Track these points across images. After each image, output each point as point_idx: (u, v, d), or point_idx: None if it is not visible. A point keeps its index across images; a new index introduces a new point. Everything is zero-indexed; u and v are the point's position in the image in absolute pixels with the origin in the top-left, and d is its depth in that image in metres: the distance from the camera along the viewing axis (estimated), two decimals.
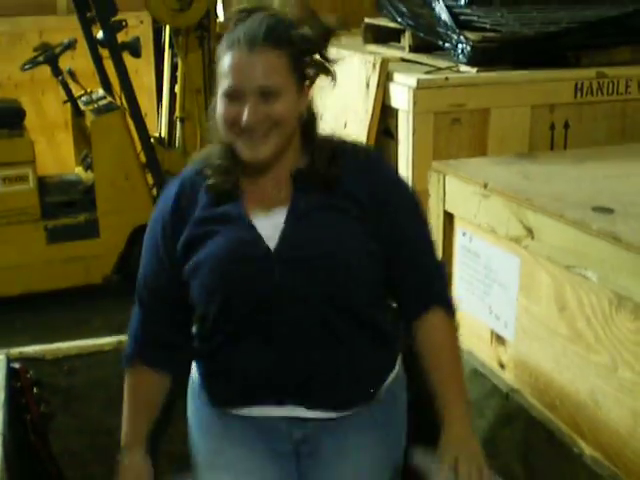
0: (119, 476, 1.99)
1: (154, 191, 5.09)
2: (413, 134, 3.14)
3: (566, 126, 3.32)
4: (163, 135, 5.54)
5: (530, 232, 2.27)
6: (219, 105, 1.79)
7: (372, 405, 1.95)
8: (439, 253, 2.03)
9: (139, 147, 5.01)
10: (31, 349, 2.28)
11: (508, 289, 2.35)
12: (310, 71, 1.84)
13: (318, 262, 1.82)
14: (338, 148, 1.89)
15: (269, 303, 1.83)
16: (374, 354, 1.96)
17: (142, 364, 1.98)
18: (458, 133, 3.20)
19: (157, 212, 1.95)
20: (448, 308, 1.95)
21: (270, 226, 1.83)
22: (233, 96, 1.75)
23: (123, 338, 2.27)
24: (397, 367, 2.02)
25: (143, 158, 5.04)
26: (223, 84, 1.76)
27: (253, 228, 1.83)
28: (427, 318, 1.92)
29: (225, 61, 1.76)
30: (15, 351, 2.25)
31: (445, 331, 1.94)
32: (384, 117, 3.35)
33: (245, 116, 1.74)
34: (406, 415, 2.06)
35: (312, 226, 1.84)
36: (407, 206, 1.95)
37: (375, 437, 1.98)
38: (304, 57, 1.82)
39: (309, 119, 1.87)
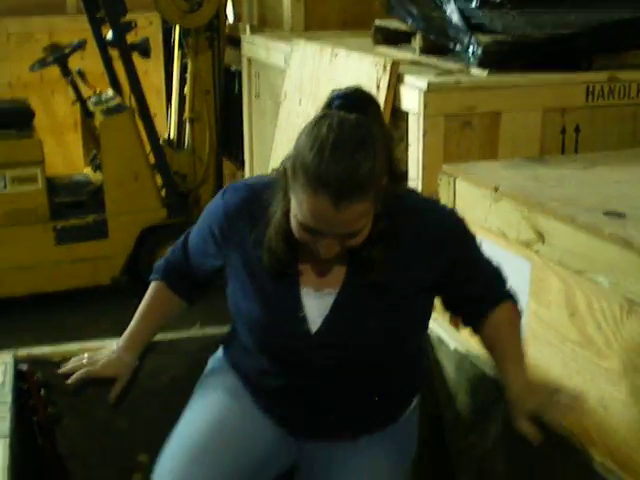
0: (99, 363, 2.14)
1: (163, 192, 5.09)
2: (423, 136, 3.12)
3: (577, 130, 3.30)
4: (172, 136, 5.54)
5: (541, 236, 2.25)
6: (293, 221, 1.72)
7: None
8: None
9: (148, 148, 5.01)
10: (39, 350, 2.27)
11: (518, 293, 2.33)
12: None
13: (357, 351, 1.85)
14: (408, 223, 1.85)
15: (302, 366, 1.88)
16: (403, 386, 2.03)
17: (165, 283, 2.15)
18: (469, 136, 3.19)
19: (218, 208, 1.97)
20: (511, 299, 2.04)
21: (316, 308, 1.85)
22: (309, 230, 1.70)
23: None
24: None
25: (152, 159, 5.04)
26: (298, 214, 1.68)
27: (300, 306, 1.85)
28: (492, 315, 1.99)
29: (302, 197, 1.65)
30: (22, 352, 2.24)
31: (510, 320, 2.01)
32: (394, 119, 3.34)
33: (321, 252, 1.72)
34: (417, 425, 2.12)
35: (358, 316, 1.84)
36: (471, 254, 2.00)
37: (389, 449, 2.01)
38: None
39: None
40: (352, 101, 1.71)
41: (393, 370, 1.96)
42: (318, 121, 1.68)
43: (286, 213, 1.75)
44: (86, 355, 2.19)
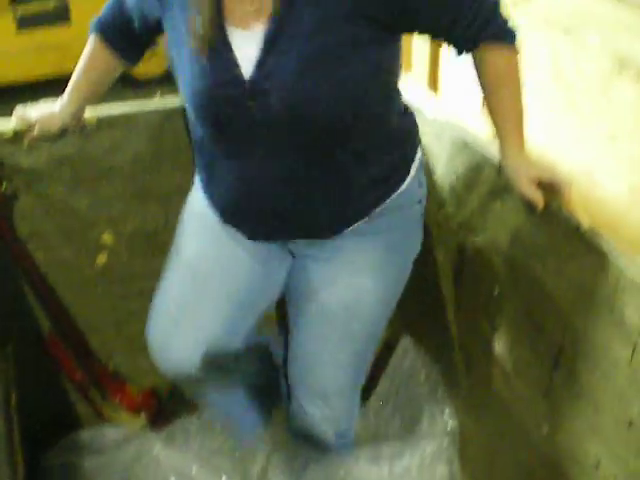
0: (44, 116, 2.05)
1: None
2: None
3: None
4: None
5: None
6: None
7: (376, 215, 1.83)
8: None
9: None
10: None
11: None
12: None
13: (305, 106, 1.59)
14: None
15: (247, 134, 1.66)
16: (378, 167, 1.77)
17: (101, 37, 1.98)
18: None
19: None
20: (505, 36, 1.69)
21: (246, 52, 1.60)
22: None
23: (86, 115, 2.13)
24: (411, 172, 1.85)
25: None
26: None
27: (231, 55, 1.60)
28: (482, 50, 1.69)
29: None
30: None
31: (503, 62, 1.71)
32: None
33: None
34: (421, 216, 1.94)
35: (294, 56, 1.56)
36: None
37: (376, 240, 1.87)
38: None
39: None
40: None
41: (356, 138, 1.70)
42: None
43: None
44: (28, 110, 2.07)
